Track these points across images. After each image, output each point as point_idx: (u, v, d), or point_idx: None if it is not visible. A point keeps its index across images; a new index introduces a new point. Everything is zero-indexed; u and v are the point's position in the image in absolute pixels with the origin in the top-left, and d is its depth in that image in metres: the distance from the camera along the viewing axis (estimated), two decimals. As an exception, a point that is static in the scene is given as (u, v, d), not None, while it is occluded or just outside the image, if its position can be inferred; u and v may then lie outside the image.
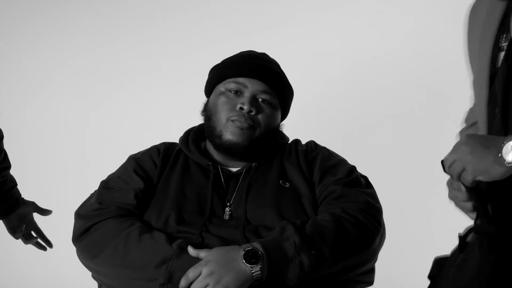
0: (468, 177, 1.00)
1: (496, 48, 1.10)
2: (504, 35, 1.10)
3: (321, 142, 1.61)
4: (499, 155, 0.95)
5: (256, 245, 1.22)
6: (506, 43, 1.08)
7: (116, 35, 2.69)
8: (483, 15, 1.16)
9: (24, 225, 1.74)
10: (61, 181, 2.55)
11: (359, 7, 2.48)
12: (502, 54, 1.09)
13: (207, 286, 1.18)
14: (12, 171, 1.73)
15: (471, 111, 1.33)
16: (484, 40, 1.13)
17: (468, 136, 1.02)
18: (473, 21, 1.23)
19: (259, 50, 1.61)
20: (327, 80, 2.49)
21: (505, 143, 0.95)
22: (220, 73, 1.53)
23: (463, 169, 1.01)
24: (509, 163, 0.94)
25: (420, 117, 2.39)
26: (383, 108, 2.44)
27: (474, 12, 1.23)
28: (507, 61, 1.07)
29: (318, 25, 2.52)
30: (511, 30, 1.06)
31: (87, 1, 2.74)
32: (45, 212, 1.82)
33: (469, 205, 1.07)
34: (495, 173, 0.96)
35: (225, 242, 1.29)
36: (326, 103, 2.49)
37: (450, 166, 1.03)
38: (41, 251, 1.87)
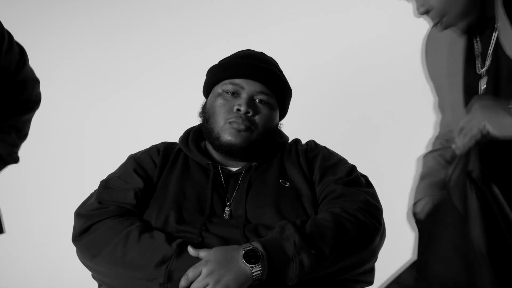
0: (474, 125, 1.05)
1: (468, 79, 1.22)
2: (479, 63, 1.21)
3: (321, 141, 1.61)
4: (509, 106, 1.02)
5: (256, 244, 1.22)
6: (485, 69, 1.19)
7: (115, 35, 2.69)
8: (443, 49, 1.29)
9: None
10: (61, 180, 2.55)
11: (361, 6, 2.48)
12: (483, 80, 1.19)
13: (207, 285, 1.18)
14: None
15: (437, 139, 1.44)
16: (453, 75, 1.24)
17: (477, 96, 1.11)
18: (432, 52, 1.35)
19: (257, 49, 1.61)
20: (327, 79, 2.48)
21: None
22: (217, 74, 1.53)
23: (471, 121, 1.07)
24: None
25: (423, 116, 2.37)
26: (384, 107, 2.44)
27: (430, 44, 1.36)
28: (490, 85, 1.17)
29: (318, 24, 2.51)
30: (487, 61, 1.18)
31: (87, 1, 2.73)
32: None
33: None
34: (502, 122, 1.02)
35: (225, 241, 1.29)
36: (326, 102, 2.48)
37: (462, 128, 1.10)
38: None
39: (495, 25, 1.16)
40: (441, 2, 1.16)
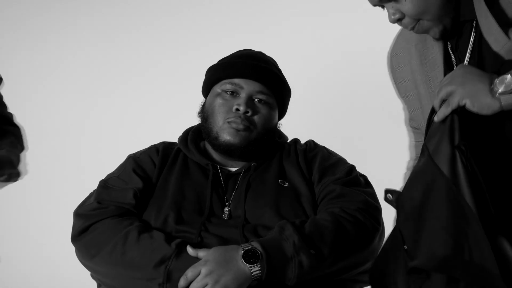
0: (455, 99, 1.03)
1: None
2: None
3: (320, 141, 1.61)
4: (491, 86, 1.00)
5: (255, 244, 1.22)
6: None
7: (115, 35, 2.69)
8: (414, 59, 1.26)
9: None
10: (60, 180, 2.55)
11: (359, 3, 2.47)
12: None
13: (206, 285, 1.18)
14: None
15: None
16: (434, 81, 1.22)
17: (462, 65, 1.08)
18: (401, 65, 1.32)
19: (257, 49, 1.61)
20: (327, 78, 2.48)
21: (499, 77, 1.00)
22: (216, 74, 1.53)
23: (452, 92, 1.04)
24: (500, 93, 0.98)
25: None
26: (384, 107, 2.43)
27: (397, 56, 1.33)
28: None
29: (316, 23, 2.51)
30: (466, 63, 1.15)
31: (87, 1, 2.74)
32: None
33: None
34: (483, 101, 1.00)
35: (224, 241, 1.29)
36: (326, 102, 2.48)
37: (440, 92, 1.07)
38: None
39: (473, 25, 1.13)
40: (414, 8, 1.12)
